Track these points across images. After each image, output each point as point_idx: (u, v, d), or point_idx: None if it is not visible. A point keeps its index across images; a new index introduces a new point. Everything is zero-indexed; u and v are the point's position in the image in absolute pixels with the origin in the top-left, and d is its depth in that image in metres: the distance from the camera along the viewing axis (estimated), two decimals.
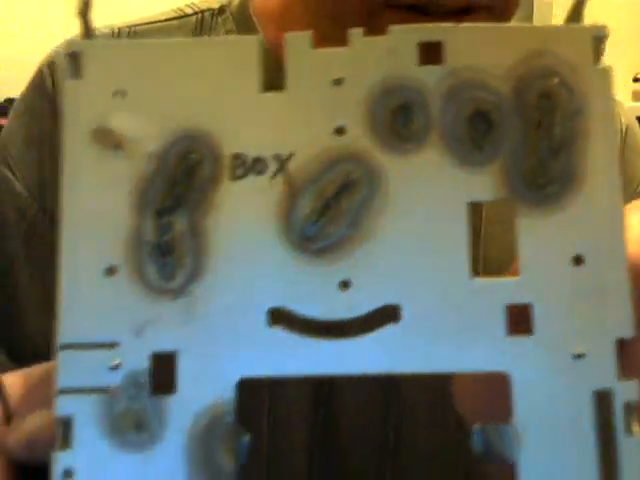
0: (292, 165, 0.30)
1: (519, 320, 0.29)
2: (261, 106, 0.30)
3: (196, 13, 0.47)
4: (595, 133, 0.30)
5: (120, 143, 0.30)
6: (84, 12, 0.30)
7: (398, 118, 0.30)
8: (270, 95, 0.30)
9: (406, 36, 0.30)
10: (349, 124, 0.30)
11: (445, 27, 0.30)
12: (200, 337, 0.29)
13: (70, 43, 0.30)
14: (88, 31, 0.30)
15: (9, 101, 1.75)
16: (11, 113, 0.46)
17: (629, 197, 0.54)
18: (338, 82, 0.30)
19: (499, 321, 0.29)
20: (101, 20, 0.44)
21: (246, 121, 0.30)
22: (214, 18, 0.46)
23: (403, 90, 0.30)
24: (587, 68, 0.30)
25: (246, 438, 0.28)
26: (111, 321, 0.29)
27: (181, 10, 0.47)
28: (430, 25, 0.30)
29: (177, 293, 0.29)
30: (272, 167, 0.30)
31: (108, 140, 0.30)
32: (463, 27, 0.30)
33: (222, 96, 0.30)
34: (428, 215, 0.29)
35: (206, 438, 0.28)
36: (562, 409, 0.28)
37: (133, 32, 0.47)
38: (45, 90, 0.45)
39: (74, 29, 0.32)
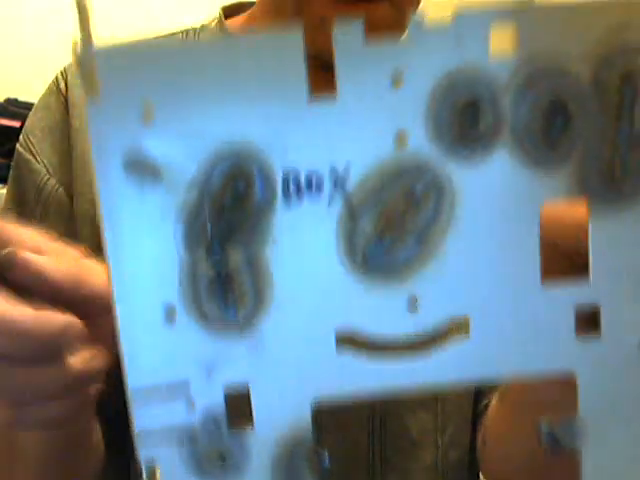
0: (350, 181, 0.26)
1: (587, 321, 0.28)
2: (312, 114, 0.25)
3: (182, 32, 0.54)
4: None
5: (156, 171, 0.25)
6: (85, 21, 0.24)
7: (465, 118, 0.26)
8: (321, 102, 0.25)
9: (475, 21, 0.25)
10: (411, 129, 0.26)
11: (518, 9, 0.25)
12: (271, 367, 0.27)
13: (79, 53, 0.24)
14: (90, 39, 0.24)
15: (8, 101, 1.64)
16: (32, 110, 0.53)
17: None
18: (396, 80, 0.25)
19: (568, 323, 0.27)
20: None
21: (297, 131, 0.26)
22: (196, 34, 0.53)
23: (471, 85, 0.25)
24: None
25: (326, 455, 0.28)
26: (178, 362, 0.27)
27: (168, 32, 0.54)
28: (502, 4, 0.25)
29: (242, 327, 0.27)
30: (328, 184, 0.26)
31: (143, 170, 0.25)
32: (536, 10, 0.25)
33: (266, 105, 0.25)
34: (499, 224, 0.27)
35: (289, 462, 0.28)
36: (628, 406, 0.28)
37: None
38: (59, 90, 0.51)
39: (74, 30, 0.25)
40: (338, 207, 0.26)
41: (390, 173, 0.26)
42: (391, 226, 0.26)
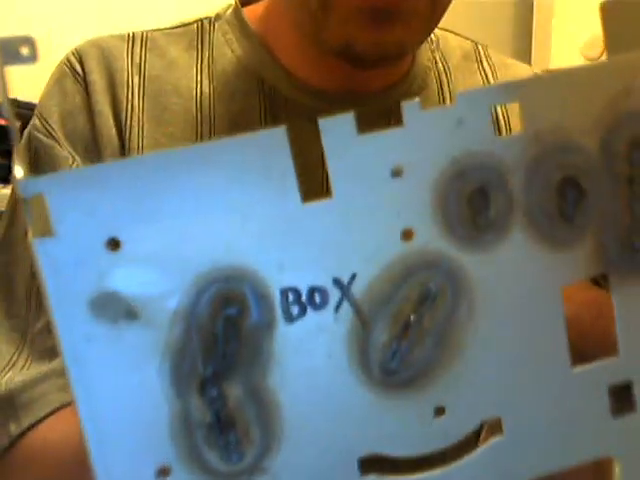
0: (356, 289, 0.22)
1: (620, 399, 0.25)
2: (307, 220, 0.22)
3: (196, 22, 0.49)
4: None
5: (130, 307, 0.21)
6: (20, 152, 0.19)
7: (474, 205, 0.23)
8: (315, 205, 0.22)
9: (475, 102, 0.22)
10: (418, 224, 0.23)
11: (515, 84, 0.22)
12: None
13: (21, 192, 0.20)
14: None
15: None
16: (44, 95, 0.47)
17: None
18: (397, 173, 0.22)
19: (602, 405, 0.25)
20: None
21: (291, 244, 0.22)
22: (212, 24, 0.49)
23: (478, 170, 0.23)
24: None
25: None
26: None
27: (182, 22, 0.50)
28: (502, 84, 0.22)
29: (252, 473, 0.23)
30: (334, 296, 0.22)
31: (114, 308, 0.21)
32: (535, 81, 0.22)
33: (254, 217, 0.22)
34: (520, 311, 0.24)
35: None
36: None
37: (145, 35, 0.48)
38: (76, 72, 0.46)
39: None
40: (347, 318, 0.23)
41: (400, 273, 0.23)
42: (407, 329, 0.23)
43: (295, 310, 0.22)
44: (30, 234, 0.20)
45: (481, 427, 0.25)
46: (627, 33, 0.25)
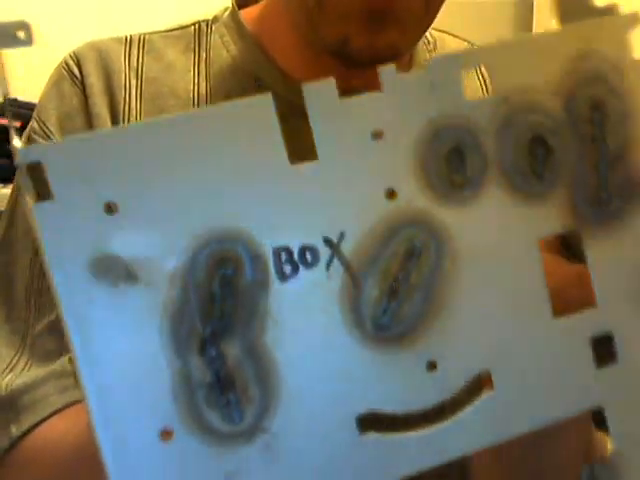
0: (345, 247, 0.23)
1: (602, 351, 0.26)
2: (295, 182, 0.23)
3: (193, 24, 0.49)
4: None
5: (130, 270, 0.22)
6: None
7: (452, 163, 0.24)
8: (303, 167, 0.23)
9: (446, 67, 0.23)
10: (400, 183, 0.24)
11: (481, 50, 0.24)
12: (290, 473, 0.23)
13: (23, 152, 0.21)
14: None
15: (7, 101, 1.48)
16: (43, 98, 0.47)
17: None
18: (377, 135, 0.23)
19: (586, 356, 0.26)
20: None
21: (281, 205, 0.23)
22: (209, 26, 0.49)
23: (452, 130, 0.24)
24: (625, 61, 0.26)
25: None
26: None
27: (179, 24, 0.50)
28: (465, 52, 0.24)
29: (252, 433, 0.23)
30: (324, 254, 0.23)
31: (114, 271, 0.21)
32: (499, 47, 0.24)
33: (245, 180, 0.22)
34: (500, 262, 0.25)
35: None
36: None
37: (142, 38, 0.48)
38: (74, 76, 0.46)
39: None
40: (338, 275, 0.24)
41: (386, 230, 0.24)
42: (396, 285, 0.24)
43: (288, 269, 0.23)
44: (29, 200, 0.21)
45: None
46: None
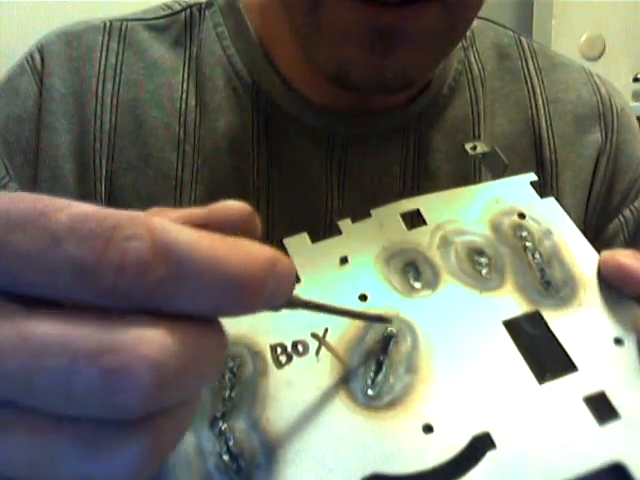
0: (331, 338, 0.28)
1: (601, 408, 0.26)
2: None
3: (184, 9, 0.42)
4: (569, 242, 0.31)
5: None
6: None
7: (409, 274, 0.30)
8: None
9: (389, 212, 0.32)
10: (369, 290, 0.29)
11: (417, 199, 0.32)
12: None
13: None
14: None
15: None
16: None
17: (631, 180, 0.48)
18: (344, 260, 0.30)
19: (586, 415, 0.26)
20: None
21: (274, 315, 0.29)
22: (202, 12, 0.42)
23: (403, 252, 0.31)
24: (537, 204, 0.33)
25: None
26: None
27: (169, 7, 0.43)
28: (404, 200, 0.32)
29: None
30: (313, 345, 0.28)
31: None
32: (430, 196, 0.33)
33: None
34: (473, 344, 0.28)
35: None
36: None
37: (125, 27, 0.41)
38: (35, 71, 0.39)
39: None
40: (327, 359, 0.28)
41: (364, 323, 0.29)
42: (380, 363, 0.28)
43: (283, 359, 0.28)
44: None
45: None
46: None
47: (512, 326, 0.29)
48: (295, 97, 0.40)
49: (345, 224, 0.32)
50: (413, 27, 0.31)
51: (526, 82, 0.45)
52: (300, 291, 0.30)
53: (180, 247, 0.16)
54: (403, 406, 0.26)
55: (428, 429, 0.26)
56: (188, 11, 0.42)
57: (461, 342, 0.28)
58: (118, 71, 0.39)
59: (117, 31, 0.41)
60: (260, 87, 0.40)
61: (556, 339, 0.29)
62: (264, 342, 0.28)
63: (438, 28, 0.32)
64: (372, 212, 0.32)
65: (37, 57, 0.40)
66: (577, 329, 0.29)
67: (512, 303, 0.30)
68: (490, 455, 0.25)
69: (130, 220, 0.15)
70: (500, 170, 0.35)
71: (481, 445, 0.26)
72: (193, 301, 0.16)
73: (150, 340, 0.15)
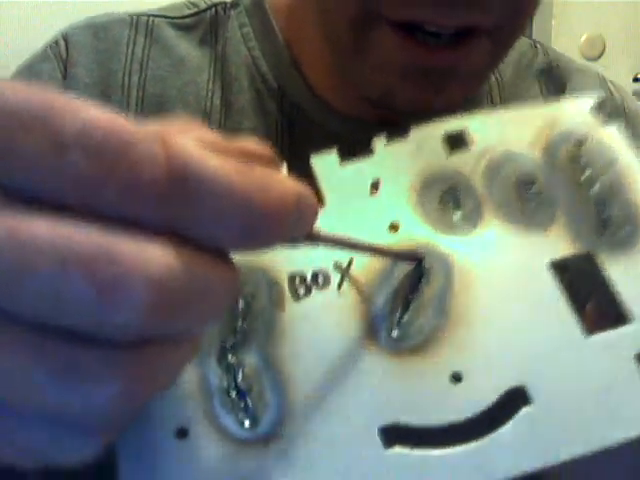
0: (355, 270, 0.25)
1: None
2: None
3: (209, 8, 0.41)
4: (633, 177, 0.27)
5: None
6: None
7: (448, 204, 0.27)
8: None
9: (429, 133, 0.28)
10: (401, 219, 0.26)
11: (462, 119, 0.28)
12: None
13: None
14: None
15: None
16: (17, 72, 0.39)
17: None
18: (375, 185, 0.27)
19: (635, 373, 0.23)
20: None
21: None
22: (227, 11, 0.41)
23: (442, 179, 0.27)
24: (598, 132, 0.29)
25: None
26: None
27: (194, 5, 0.41)
28: (447, 118, 0.28)
29: (268, 439, 0.22)
30: (335, 277, 0.25)
31: None
32: (477, 116, 0.29)
33: None
34: (516, 287, 0.25)
35: None
36: None
37: (152, 22, 0.40)
38: (59, 58, 0.38)
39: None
40: (349, 294, 0.25)
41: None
42: (407, 300, 0.25)
43: (302, 291, 0.25)
44: None
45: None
46: None
47: (560, 268, 0.26)
48: (320, 103, 0.39)
49: (378, 144, 0.28)
50: (464, 67, 0.31)
51: (543, 93, 0.43)
52: (324, 216, 0.27)
53: (200, 171, 0.14)
54: (430, 351, 0.24)
55: (456, 378, 0.23)
56: (213, 10, 0.41)
57: (500, 284, 0.25)
58: (144, 65, 0.38)
59: (144, 26, 0.40)
60: (285, 91, 0.39)
61: (609, 286, 0.25)
62: (282, 271, 0.25)
63: (487, 62, 0.33)
64: (410, 131, 0.28)
65: (62, 45, 0.39)
66: (634, 276, 0.25)
67: (562, 242, 0.26)
68: (524, 412, 0.23)
69: (147, 135, 0.14)
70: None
71: (515, 400, 0.23)
72: (208, 231, 0.15)
73: (153, 256, 0.14)
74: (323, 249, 0.25)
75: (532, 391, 0.23)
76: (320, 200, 0.27)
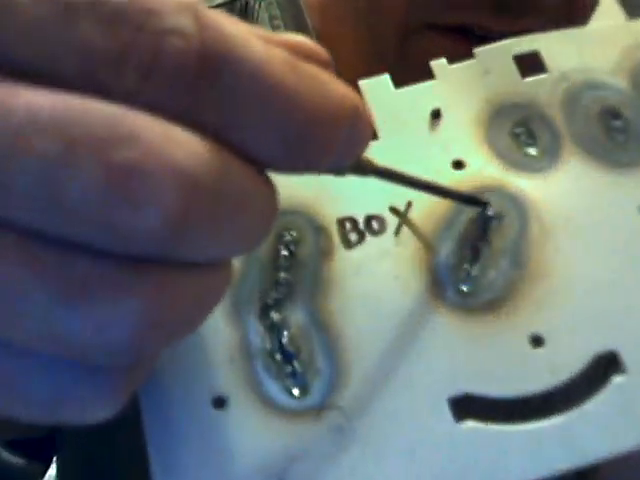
0: (415, 214, 0.21)
1: None
2: None
3: None
4: None
5: None
6: None
7: (520, 138, 0.23)
8: None
9: (498, 53, 0.24)
10: (466, 155, 0.22)
11: (536, 37, 0.24)
12: (369, 462, 0.18)
13: None
14: None
15: None
16: None
17: None
18: (436, 115, 0.23)
19: None
20: None
21: (344, 181, 0.22)
22: (257, 2, 0.38)
23: (514, 107, 0.23)
24: None
25: None
26: (237, 473, 0.17)
27: None
28: (519, 38, 0.24)
29: (320, 411, 0.18)
30: (392, 222, 0.21)
31: None
32: (555, 34, 0.24)
33: None
34: (605, 233, 0.21)
35: None
36: None
37: None
38: None
39: None
40: (408, 240, 0.21)
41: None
42: (477, 249, 0.21)
43: (353, 237, 0.21)
44: None
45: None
46: None
47: None
48: None
49: (440, 66, 0.24)
50: None
51: None
52: (376, 149, 0.23)
53: (240, 57, 0.11)
54: (506, 309, 0.20)
55: (537, 342, 0.20)
56: (243, 0, 0.38)
57: (584, 230, 0.21)
58: None
59: None
60: None
61: None
62: (330, 215, 0.22)
63: None
64: (476, 52, 0.24)
65: None
66: None
67: None
68: (617, 382, 0.19)
69: (176, 7, 0.11)
70: None
71: (606, 367, 0.20)
72: (244, 135, 0.12)
73: (182, 142, 0.11)
74: (377, 192, 0.21)
75: (626, 357, 0.20)
76: (373, 133, 0.23)
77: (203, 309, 0.13)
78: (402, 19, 0.31)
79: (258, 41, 0.12)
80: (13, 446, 0.41)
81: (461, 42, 0.30)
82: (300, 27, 0.37)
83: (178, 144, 0.11)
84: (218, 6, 0.39)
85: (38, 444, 0.42)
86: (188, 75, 0.11)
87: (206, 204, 0.11)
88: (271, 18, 0.38)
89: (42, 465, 0.43)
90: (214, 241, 0.12)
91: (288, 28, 0.37)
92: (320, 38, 0.37)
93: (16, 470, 0.42)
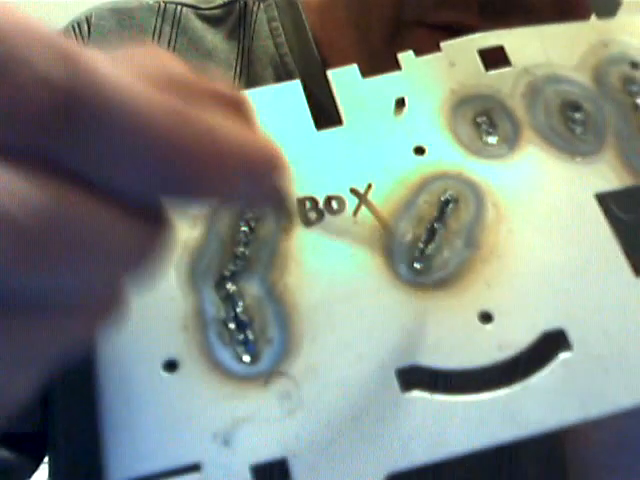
0: (374, 196, 0.22)
1: None
2: (320, 144, 0.23)
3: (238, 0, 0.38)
4: None
5: None
6: None
7: (481, 126, 0.23)
8: (328, 131, 0.23)
9: (463, 47, 0.24)
10: (428, 141, 0.23)
11: (501, 32, 0.25)
12: (313, 431, 0.18)
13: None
14: None
15: None
16: None
17: None
18: (400, 103, 0.24)
19: None
20: None
21: (306, 162, 0.22)
22: (256, 4, 0.38)
23: (477, 98, 0.24)
24: None
25: None
26: (184, 433, 0.18)
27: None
28: (485, 33, 0.25)
29: (268, 377, 0.19)
30: (351, 203, 0.22)
31: None
32: (519, 30, 0.25)
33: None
34: (557, 219, 0.21)
35: None
36: None
37: (179, 11, 0.37)
38: (82, 39, 0.36)
39: None
40: (366, 220, 0.22)
41: (417, 181, 0.23)
42: (432, 230, 0.21)
43: (313, 216, 0.22)
44: None
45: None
46: None
47: (607, 201, 0.22)
48: None
49: (407, 57, 0.25)
50: None
51: None
52: (340, 133, 0.23)
53: (108, 103, 0.11)
54: (457, 286, 0.21)
55: (486, 318, 0.20)
56: (242, 2, 0.38)
57: (539, 216, 0.22)
58: None
59: (171, 15, 0.37)
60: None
61: None
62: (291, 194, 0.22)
63: None
64: (442, 46, 0.25)
65: (85, 28, 0.36)
66: None
67: (610, 173, 0.23)
68: (563, 358, 0.19)
69: (44, 54, 0.11)
70: (611, 6, 0.27)
71: (552, 344, 0.20)
72: (102, 172, 0.11)
73: (14, 190, 0.11)
74: (339, 174, 0.22)
75: (572, 335, 0.20)
76: (338, 118, 0.24)
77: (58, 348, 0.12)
78: (392, 15, 0.31)
79: (136, 86, 0.11)
80: (4, 441, 0.41)
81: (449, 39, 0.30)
82: (298, 28, 0.37)
83: (10, 193, 0.11)
84: (217, 7, 0.39)
85: (30, 439, 0.42)
86: (46, 121, 0.11)
87: (35, 249, 0.11)
88: (269, 20, 0.38)
89: (34, 461, 0.42)
90: (50, 280, 0.11)
91: (286, 30, 0.37)
92: (317, 39, 0.36)
93: (8, 465, 0.42)
